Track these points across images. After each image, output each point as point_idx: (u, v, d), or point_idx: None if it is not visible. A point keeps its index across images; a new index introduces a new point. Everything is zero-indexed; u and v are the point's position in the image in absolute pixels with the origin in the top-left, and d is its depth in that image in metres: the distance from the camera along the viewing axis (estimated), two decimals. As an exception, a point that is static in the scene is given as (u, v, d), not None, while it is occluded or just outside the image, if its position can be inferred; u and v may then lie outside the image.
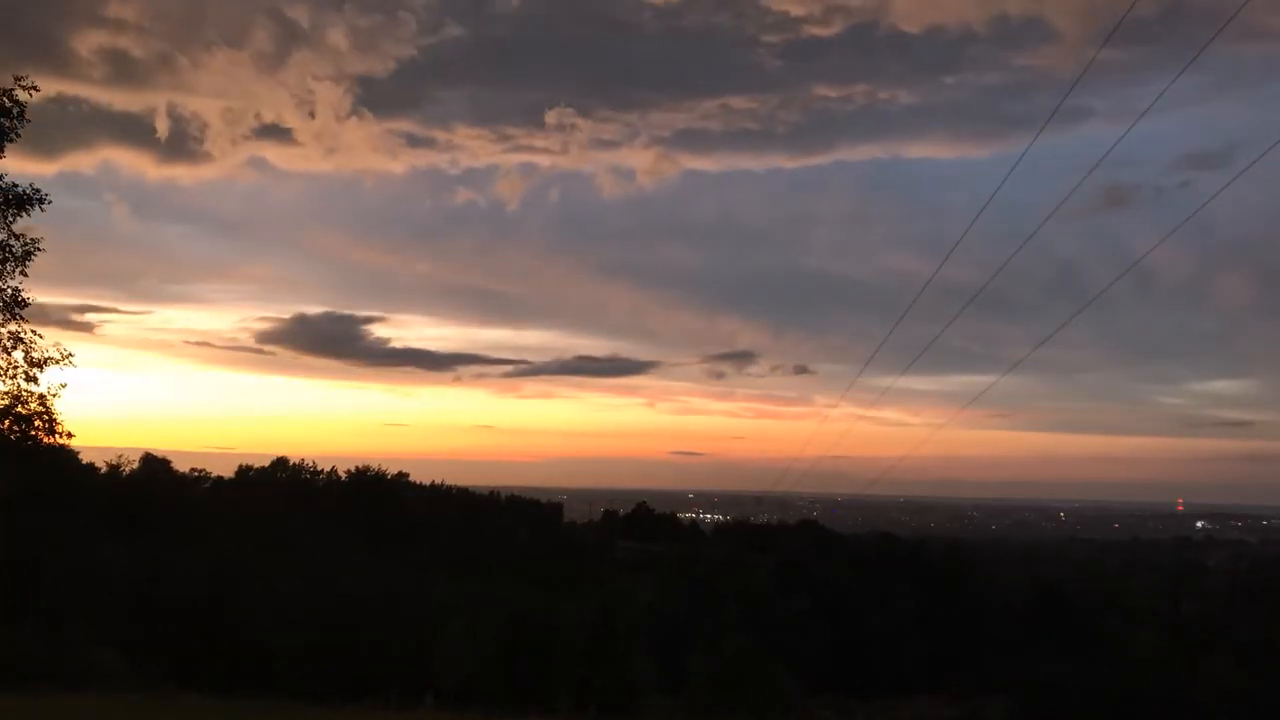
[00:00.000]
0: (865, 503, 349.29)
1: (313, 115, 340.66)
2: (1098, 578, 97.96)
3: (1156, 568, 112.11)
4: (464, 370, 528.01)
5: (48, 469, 31.46)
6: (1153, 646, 57.71)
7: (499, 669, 32.72)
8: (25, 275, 20.74)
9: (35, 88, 20.19)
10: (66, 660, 26.39)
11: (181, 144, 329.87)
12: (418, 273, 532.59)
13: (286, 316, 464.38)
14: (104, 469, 61.39)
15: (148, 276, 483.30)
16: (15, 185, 20.35)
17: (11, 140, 20.16)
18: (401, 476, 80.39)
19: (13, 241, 20.51)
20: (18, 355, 20.69)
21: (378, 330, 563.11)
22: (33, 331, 20.79)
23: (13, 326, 20.68)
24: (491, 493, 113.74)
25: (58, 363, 20.93)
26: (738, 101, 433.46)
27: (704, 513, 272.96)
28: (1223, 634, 59.75)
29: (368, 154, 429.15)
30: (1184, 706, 42.65)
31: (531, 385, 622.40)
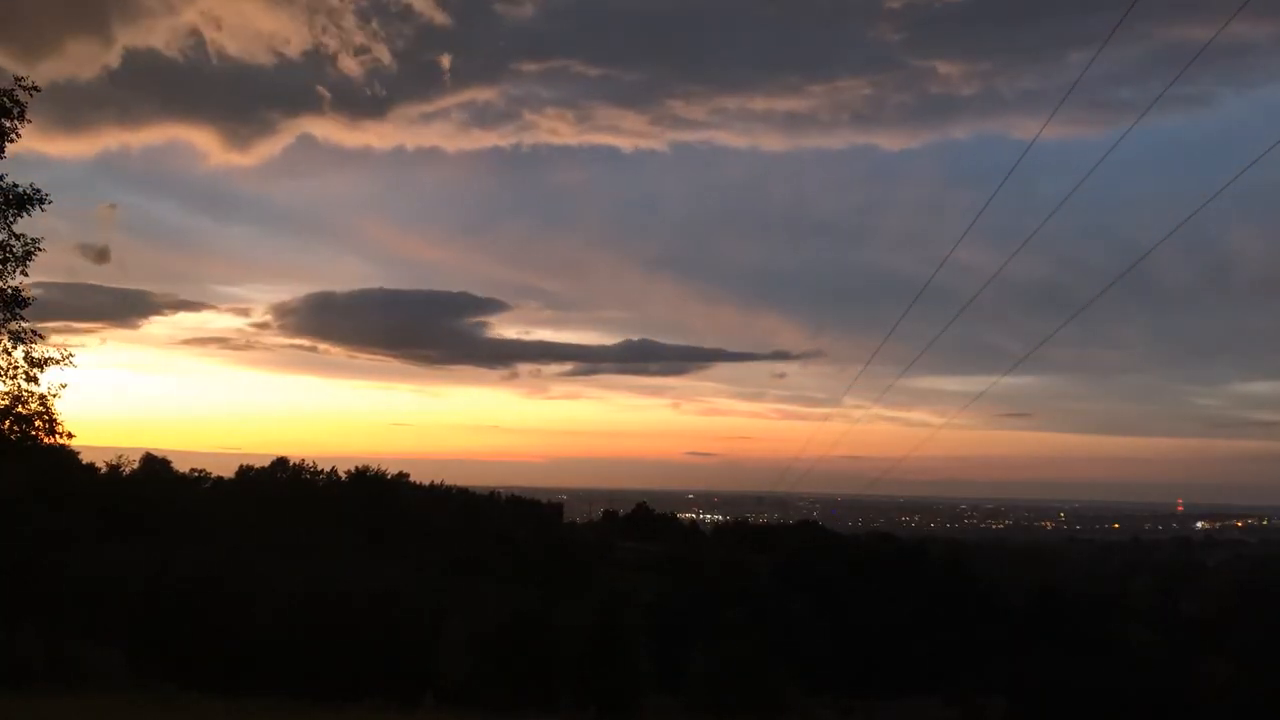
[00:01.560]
0: (865, 503, 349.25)
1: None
2: (1098, 578, 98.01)
3: (1156, 568, 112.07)
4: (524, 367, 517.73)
5: (48, 469, 31.46)
6: (1153, 646, 57.73)
7: (499, 669, 32.70)
8: (26, 275, 20.74)
9: (36, 88, 20.18)
10: (67, 660, 26.42)
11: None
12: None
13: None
14: (104, 469, 61.45)
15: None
16: (15, 185, 20.35)
17: (11, 140, 20.15)
18: (401, 476, 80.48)
19: (13, 241, 20.51)
20: (18, 355, 20.70)
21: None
22: (33, 331, 20.79)
23: (13, 326, 20.69)
24: (492, 493, 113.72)
25: (58, 363, 20.94)
26: (835, 82, 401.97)
27: (704, 513, 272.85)
28: (1222, 634, 59.78)
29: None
30: (1184, 706, 42.67)
31: (559, 386, 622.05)
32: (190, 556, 35.44)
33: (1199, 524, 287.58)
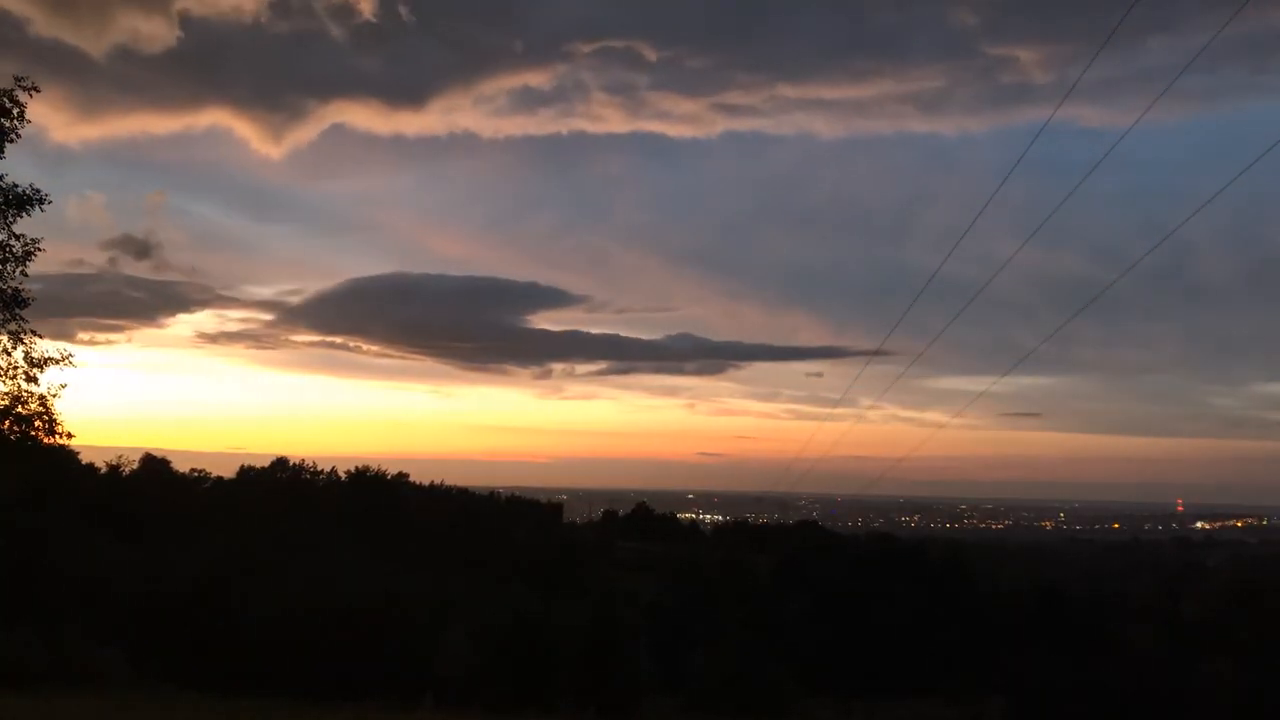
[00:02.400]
0: (865, 503, 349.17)
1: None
2: (1098, 578, 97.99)
3: (1156, 568, 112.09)
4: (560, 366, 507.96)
5: (48, 469, 31.47)
6: (1153, 646, 57.70)
7: (499, 669, 32.71)
8: (26, 275, 20.77)
9: (36, 88, 20.21)
10: (66, 660, 26.40)
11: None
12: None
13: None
14: (104, 469, 61.50)
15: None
16: (16, 185, 20.37)
17: (12, 140, 20.17)
18: (401, 476, 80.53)
19: (13, 242, 20.53)
20: (18, 355, 20.72)
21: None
22: (33, 332, 20.82)
23: (13, 326, 20.71)
24: (491, 493, 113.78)
25: (58, 363, 20.96)
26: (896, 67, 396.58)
27: (704, 513, 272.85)
28: (1223, 634, 59.75)
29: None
30: (1184, 706, 42.63)
31: (574, 386, 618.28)
32: (190, 556, 35.45)
33: (1199, 524, 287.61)
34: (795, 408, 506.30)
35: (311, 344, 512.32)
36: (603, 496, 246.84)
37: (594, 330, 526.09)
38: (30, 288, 20.77)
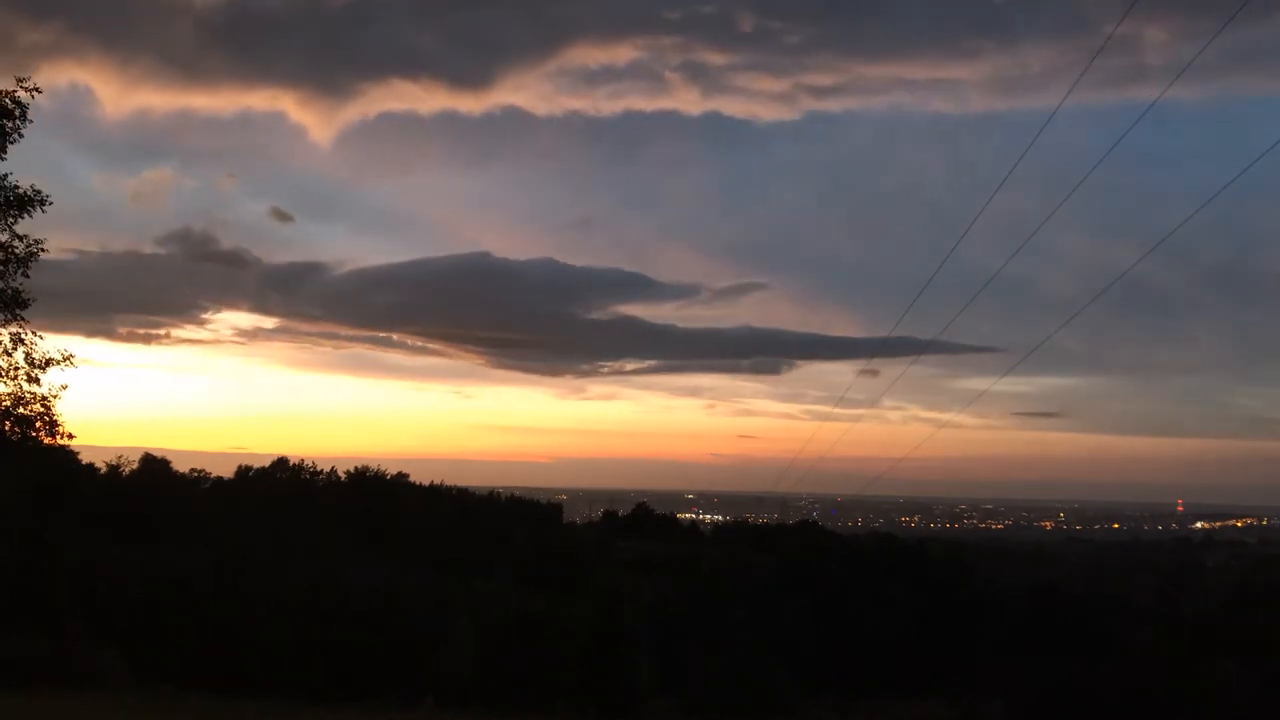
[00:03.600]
0: (865, 503, 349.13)
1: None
2: (1098, 578, 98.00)
3: (1156, 568, 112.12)
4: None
5: (48, 469, 31.48)
6: (1153, 646, 57.69)
7: (499, 669, 32.72)
8: (27, 276, 20.78)
9: (37, 89, 20.21)
10: (67, 660, 26.40)
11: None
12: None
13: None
14: (104, 469, 61.45)
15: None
16: (17, 187, 20.37)
17: (14, 141, 20.18)
18: (401, 476, 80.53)
19: (15, 243, 20.54)
20: (19, 356, 20.73)
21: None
22: (34, 333, 20.83)
23: (14, 327, 20.72)
24: (491, 492, 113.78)
25: (59, 364, 20.97)
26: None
27: (704, 513, 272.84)
28: (1222, 634, 59.74)
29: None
30: (1184, 706, 42.64)
31: (596, 386, 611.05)
32: (190, 556, 35.45)
33: (1199, 524, 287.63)
34: (814, 409, 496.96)
35: (352, 339, 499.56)
36: (605, 497, 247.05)
37: (653, 321, 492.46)
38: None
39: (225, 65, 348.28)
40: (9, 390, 20.81)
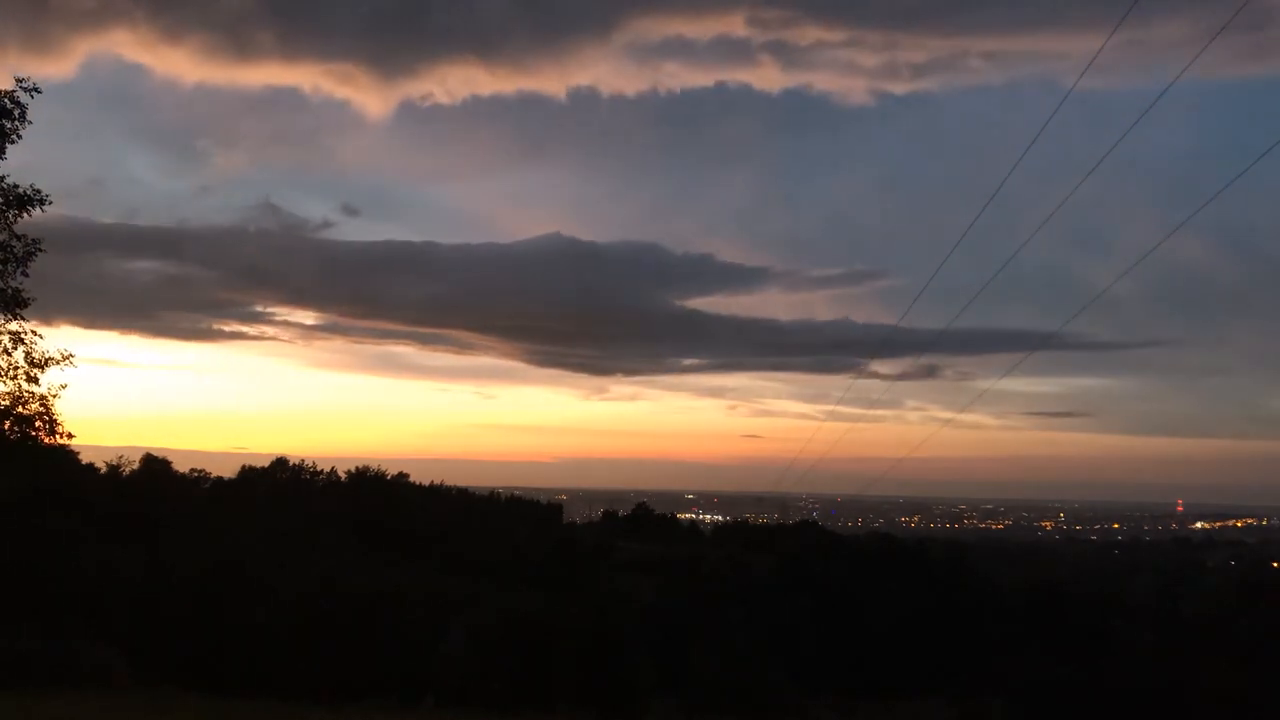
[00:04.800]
0: (865, 503, 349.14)
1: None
2: (1098, 578, 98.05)
3: (1156, 568, 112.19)
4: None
5: (48, 469, 31.49)
6: (1153, 646, 57.75)
7: (499, 669, 32.71)
8: (26, 275, 20.79)
9: (37, 89, 20.21)
10: (66, 661, 26.40)
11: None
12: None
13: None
14: (104, 469, 61.51)
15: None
16: (16, 186, 20.37)
17: (13, 141, 20.18)
18: (401, 476, 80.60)
19: (14, 242, 20.55)
20: (19, 356, 20.74)
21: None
22: (33, 332, 20.84)
23: (14, 326, 20.73)
24: (491, 492, 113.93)
25: (58, 363, 20.98)
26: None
27: (704, 513, 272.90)
28: (1222, 634, 59.78)
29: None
30: (1184, 706, 42.67)
31: (618, 387, 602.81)
32: (190, 556, 35.46)
33: (1199, 524, 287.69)
34: (835, 409, 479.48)
35: (396, 336, 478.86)
36: (608, 497, 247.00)
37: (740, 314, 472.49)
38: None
39: (279, 41, 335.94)
40: (8, 390, 20.83)
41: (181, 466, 73.86)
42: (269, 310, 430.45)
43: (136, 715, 21.72)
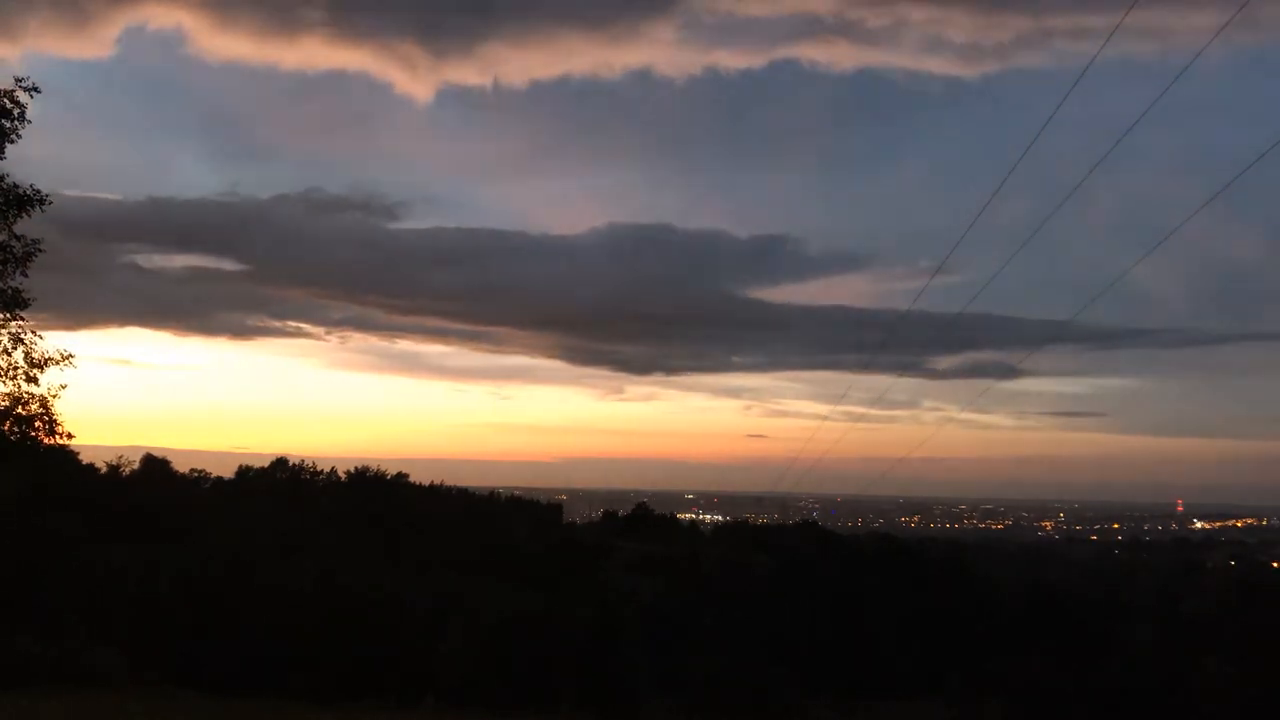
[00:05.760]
0: (865, 503, 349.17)
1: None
2: (1098, 578, 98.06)
3: (1156, 568, 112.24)
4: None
5: (48, 469, 31.51)
6: (1153, 646, 57.72)
7: (499, 669, 32.72)
8: (26, 276, 20.78)
9: (36, 89, 20.18)
10: (66, 661, 26.42)
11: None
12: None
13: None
14: (104, 469, 61.55)
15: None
16: (16, 186, 20.36)
17: (12, 141, 20.16)
18: (401, 476, 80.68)
19: (14, 243, 20.53)
20: (18, 356, 20.73)
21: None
22: (33, 332, 20.83)
23: (13, 327, 20.72)
24: (491, 492, 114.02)
25: (58, 363, 20.97)
26: None
27: (704, 513, 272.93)
28: (1222, 634, 59.78)
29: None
30: (1183, 707, 42.68)
31: (634, 388, 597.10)
32: (190, 556, 35.48)
33: (1199, 524, 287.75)
34: (851, 409, 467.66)
35: (429, 333, 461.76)
36: (610, 497, 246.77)
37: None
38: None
39: (327, 20, 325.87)
40: (8, 390, 20.83)
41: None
42: (305, 302, 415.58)
43: (136, 715, 21.73)
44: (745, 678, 39.77)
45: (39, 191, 20.44)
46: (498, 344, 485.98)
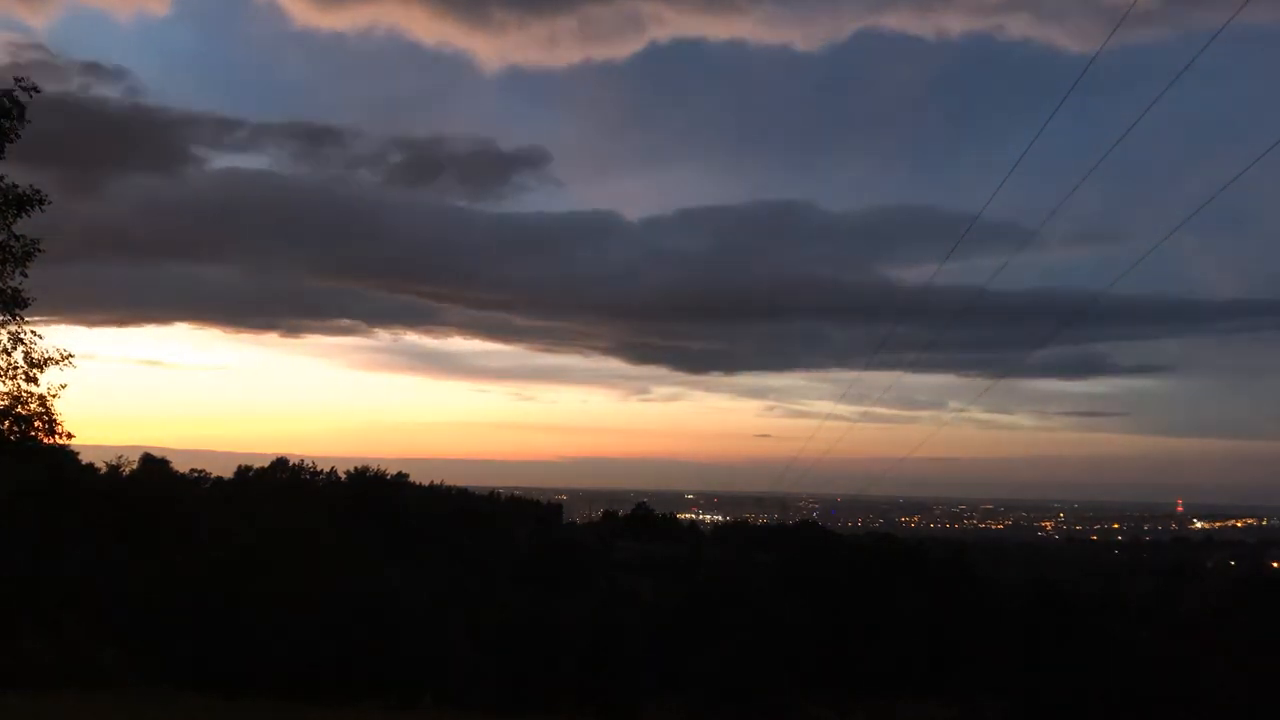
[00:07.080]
0: (865, 503, 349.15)
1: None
2: (1098, 578, 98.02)
3: (1156, 568, 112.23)
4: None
5: (48, 469, 31.49)
6: (1153, 646, 57.68)
7: (499, 669, 32.72)
8: (25, 276, 20.74)
9: (36, 89, 20.14)
10: (67, 660, 26.42)
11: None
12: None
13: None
14: (103, 469, 61.53)
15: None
16: (15, 186, 20.32)
17: (12, 141, 20.12)
18: (401, 477, 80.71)
19: (13, 243, 20.50)
20: (18, 356, 20.71)
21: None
22: (32, 332, 20.81)
23: (13, 327, 20.69)
24: (491, 492, 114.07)
25: (58, 363, 20.95)
26: None
27: (704, 513, 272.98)
28: (1221, 634, 59.75)
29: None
30: (1184, 707, 42.65)
31: (662, 388, 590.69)
32: (189, 556, 35.46)
33: (1199, 524, 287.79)
34: (873, 410, 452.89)
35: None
36: (605, 497, 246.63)
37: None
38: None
39: None
40: (7, 390, 20.80)
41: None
42: (358, 290, 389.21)
43: (136, 715, 21.73)
44: (745, 678, 39.78)
45: (39, 191, 20.41)
46: (556, 340, 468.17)
